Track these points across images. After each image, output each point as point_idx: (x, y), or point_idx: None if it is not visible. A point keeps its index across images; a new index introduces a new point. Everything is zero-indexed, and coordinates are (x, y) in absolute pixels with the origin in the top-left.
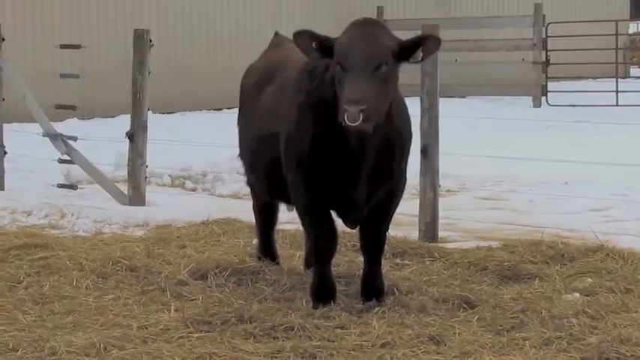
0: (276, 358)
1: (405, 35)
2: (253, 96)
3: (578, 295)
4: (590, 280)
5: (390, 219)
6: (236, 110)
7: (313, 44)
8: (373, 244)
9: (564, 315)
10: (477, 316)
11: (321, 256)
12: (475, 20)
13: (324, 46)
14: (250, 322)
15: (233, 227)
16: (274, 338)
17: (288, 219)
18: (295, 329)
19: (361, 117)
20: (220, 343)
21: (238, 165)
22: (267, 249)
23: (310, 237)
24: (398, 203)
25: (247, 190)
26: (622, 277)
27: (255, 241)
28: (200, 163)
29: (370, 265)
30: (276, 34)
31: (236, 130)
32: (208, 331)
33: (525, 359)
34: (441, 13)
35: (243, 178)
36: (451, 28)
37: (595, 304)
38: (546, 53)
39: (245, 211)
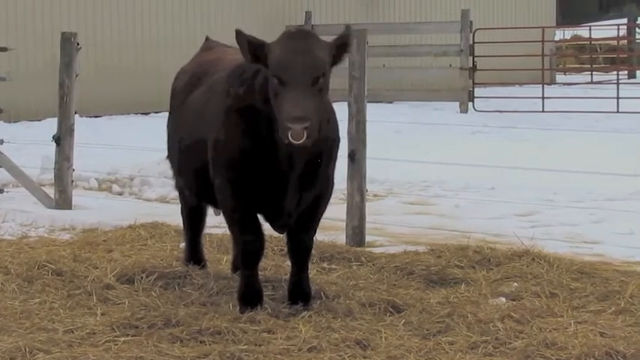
0: None
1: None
2: (182, 99)
3: (504, 299)
4: (516, 284)
5: (318, 223)
6: (164, 114)
7: (247, 48)
8: (300, 248)
9: (490, 319)
10: (403, 320)
11: (247, 261)
12: (403, 26)
13: (257, 53)
14: (177, 326)
15: (160, 231)
16: (201, 342)
17: (215, 223)
18: (222, 333)
19: (305, 134)
20: (147, 347)
21: (166, 169)
22: (195, 253)
23: (237, 241)
24: (325, 208)
25: (174, 194)
26: (547, 282)
27: (183, 245)
28: (127, 167)
29: (297, 270)
30: (207, 39)
31: (164, 133)
32: (135, 335)
33: None
34: (369, 18)
35: (172, 182)
36: (379, 33)
37: (521, 308)
38: (473, 59)
39: (172, 215)
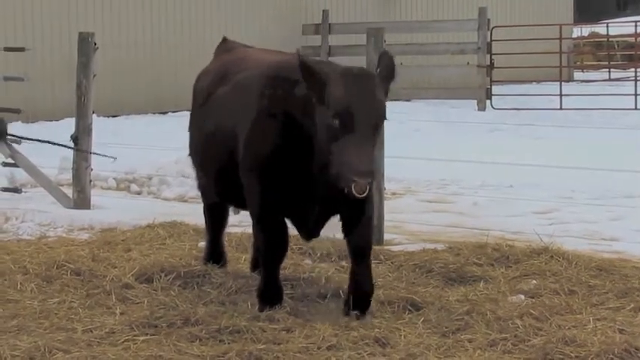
0: None
1: (349, 39)
2: (205, 98)
3: (522, 296)
4: (534, 282)
5: (368, 227)
6: (182, 113)
7: (301, 72)
8: (354, 252)
9: (509, 317)
10: (422, 318)
11: (270, 260)
12: (420, 24)
13: (314, 82)
14: (196, 325)
15: (179, 230)
16: (220, 341)
17: (234, 222)
18: (241, 332)
19: (368, 188)
20: (166, 346)
21: (183, 168)
22: (215, 252)
23: (260, 242)
24: (371, 210)
25: (193, 193)
26: (566, 279)
27: (202, 244)
28: (145, 166)
29: (358, 269)
30: (225, 39)
31: (182, 132)
32: (154, 334)
33: None
34: (386, 16)
35: (190, 181)
36: (396, 32)
37: (539, 305)
38: (491, 57)
39: (190, 214)
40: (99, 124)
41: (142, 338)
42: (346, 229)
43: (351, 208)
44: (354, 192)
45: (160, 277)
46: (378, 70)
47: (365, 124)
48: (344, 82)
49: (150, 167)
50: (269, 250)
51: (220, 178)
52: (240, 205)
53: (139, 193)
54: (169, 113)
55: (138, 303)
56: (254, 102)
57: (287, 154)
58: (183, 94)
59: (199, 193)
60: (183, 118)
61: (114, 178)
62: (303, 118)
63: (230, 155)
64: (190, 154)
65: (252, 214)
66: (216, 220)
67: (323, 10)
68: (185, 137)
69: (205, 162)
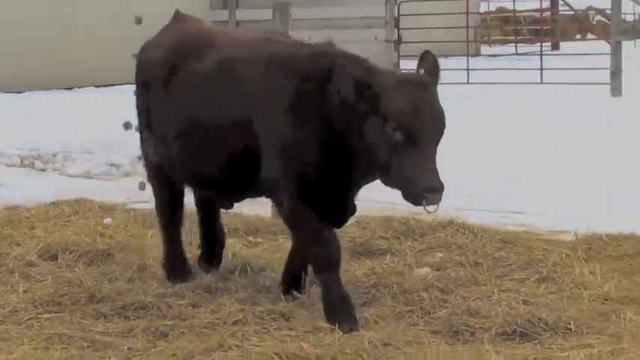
0: (128, 337)
1: (256, 13)
2: (171, 72)
3: (428, 269)
4: (440, 254)
5: None
6: (90, 89)
7: (353, 86)
8: None
9: (415, 289)
10: None
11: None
12: None
13: (363, 93)
14: (101, 302)
15: (84, 207)
16: (125, 317)
17: (141, 198)
18: (147, 308)
19: (439, 203)
20: (70, 323)
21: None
22: (181, 259)
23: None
24: None
25: (99, 169)
26: (472, 252)
27: (108, 220)
28: (50, 143)
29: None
30: (177, 11)
31: (88, 109)
32: (58, 312)
33: (377, 333)
34: None
35: (95, 158)
36: (302, 7)
37: (445, 278)
38: (398, 31)
39: (96, 191)
40: (2, 101)
41: (45, 316)
42: None
43: None
44: (425, 208)
45: (65, 254)
46: (423, 71)
47: (430, 137)
48: (403, 93)
49: (54, 144)
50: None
51: (208, 162)
52: (224, 193)
53: (43, 170)
54: (75, 89)
55: (42, 281)
56: (275, 91)
57: (327, 164)
58: (88, 70)
59: (150, 185)
60: (90, 93)
61: (18, 155)
62: (336, 115)
63: (238, 145)
64: (147, 136)
65: (287, 207)
66: (175, 218)
67: None
68: (91, 113)
69: (184, 146)
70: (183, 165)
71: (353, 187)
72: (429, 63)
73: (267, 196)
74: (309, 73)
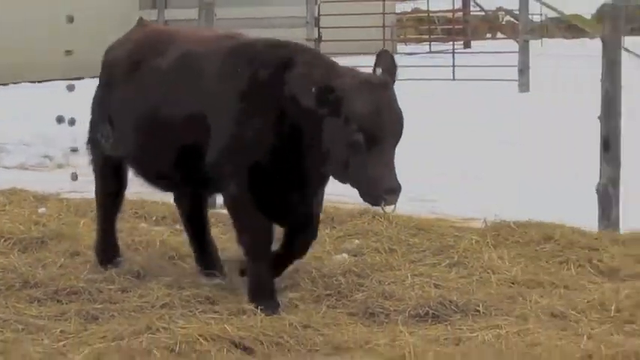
0: (60, 320)
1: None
2: (133, 70)
3: (346, 255)
4: (357, 241)
5: None
6: (24, 84)
7: (312, 89)
8: None
9: (333, 274)
10: None
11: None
12: None
13: (326, 98)
14: (35, 287)
15: (18, 197)
16: (58, 302)
17: (74, 189)
18: (79, 293)
19: (396, 202)
20: (5, 307)
21: (24, 136)
22: (112, 246)
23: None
24: None
25: (34, 161)
26: (387, 238)
27: (42, 209)
28: None
29: None
30: (141, 18)
31: (22, 102)
32: None
33: (297, 316)
34: None
35: (30, 150)
36: (227, 6)
37: (361, 263)
38: (319, 30)
39: (31, 181)
40: None
41: None
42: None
43: None
44: (382, 208)
45: (0, 241)
46: (380, 70)
47: (389, 139)
48: (365, 95)
49: None
50: (255, 237)
51: (164, 154)
52: (180, 188)
53: None
54: (10, 85)
55: None
56: (225, 82)
57: (277, 155)
58: (27, 66)
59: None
60: (25, 89)
61: None
62: (293, 107)
63: (189, 138)
64: (111, 129)
65: (232, 201)
66: (114, 208)
67: None
68: (28, 107)
69: (140, 140)
70: (140, 158)
71: (305, 186)
72: (387, 62)
73: (217, 187)
74: (267, 61)
